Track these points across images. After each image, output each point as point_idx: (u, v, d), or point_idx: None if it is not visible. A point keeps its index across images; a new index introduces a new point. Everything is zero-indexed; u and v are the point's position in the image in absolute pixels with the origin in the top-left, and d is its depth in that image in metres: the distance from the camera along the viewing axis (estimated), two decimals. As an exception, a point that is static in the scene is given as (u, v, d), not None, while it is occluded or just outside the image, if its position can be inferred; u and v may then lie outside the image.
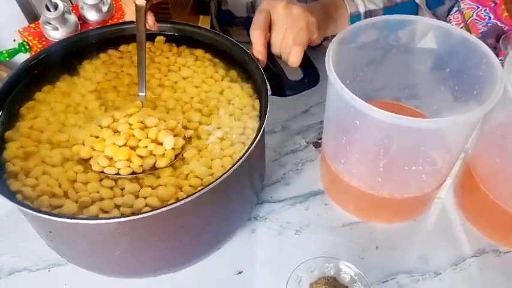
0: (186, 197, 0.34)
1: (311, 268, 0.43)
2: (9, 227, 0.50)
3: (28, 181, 0.39)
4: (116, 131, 0.42)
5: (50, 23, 0.57)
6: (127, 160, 0.40)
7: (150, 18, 0.47)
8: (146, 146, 0.41)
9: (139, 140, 0.41)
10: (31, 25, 0.62)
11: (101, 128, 0.42)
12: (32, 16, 0.70)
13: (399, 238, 0.48)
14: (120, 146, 0.40)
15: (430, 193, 0.46)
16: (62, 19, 0.57)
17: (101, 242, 0.38)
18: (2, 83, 0.43)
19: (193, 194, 0.34)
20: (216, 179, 0.35)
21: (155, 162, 0.41)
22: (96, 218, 0.37)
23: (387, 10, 0.56)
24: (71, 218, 0.35)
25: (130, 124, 0.42)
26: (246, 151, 0.37)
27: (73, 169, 0.40)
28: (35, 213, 0.34)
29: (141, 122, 0.42)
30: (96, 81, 0.48)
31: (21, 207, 0.35)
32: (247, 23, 0.70)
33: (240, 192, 0.44)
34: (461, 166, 0.50)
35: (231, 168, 0.36)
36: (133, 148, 0.41)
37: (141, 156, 0.40)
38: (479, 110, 0.36)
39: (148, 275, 0.44)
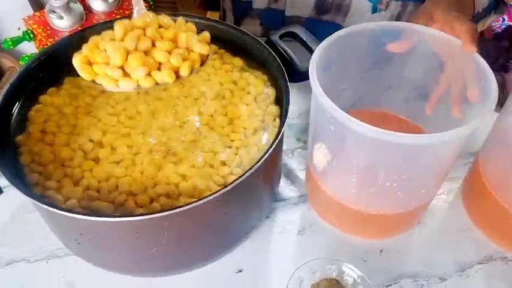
0: (233, 182, 0.34)
1: (313, 269, 0.42)
2: (11, 217, 0.49)
3: (51, 184, 0.38)
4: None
5: (55, 12, 0.56)
6: (143, 67, 0.34)
7: None
8: (165, 50, 0.34)
9: (153, 42, 0.34)
10: (36, 13, 0.61)
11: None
12: (38, 4, 0.69)
13: (404, 241, 0.47)
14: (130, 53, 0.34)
15: (411, 212, 0.43)
16: (67, 8, 0.56)
17: (136, 239, 0.36)
18: (5, 89, 0.41)
19: (239, 178, 0.34)
20: (260, 159, 0.35)
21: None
22: (142, 214, 0.34)
23: None
24: (113, 217, 0.33)
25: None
26: (276, 137, 0.37)
27: (95, 169, 0.39)
28: (71, 215, 0.32)
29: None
30: None
31: (53, 210, 0.33)
32: (263, 14, 0.69)
33: (268, 183, 0.43)
34: (471, 170, 0.49)
35: (265, 153, 0.36)
36: (146, 53, 0.34)
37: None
38: (454, 132, 0.33)
39: (169, 273, 0.43)
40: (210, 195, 0.34)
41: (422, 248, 0.46)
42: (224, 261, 0.45)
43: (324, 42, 0.41)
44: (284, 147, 0.56)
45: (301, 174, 0.53)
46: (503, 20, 0.72)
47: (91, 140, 0.41)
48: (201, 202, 0.33)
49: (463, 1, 0.54)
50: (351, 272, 0.42)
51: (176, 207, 0.33)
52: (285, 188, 0.52)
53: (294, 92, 0.47)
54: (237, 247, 0.45)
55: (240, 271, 0.44)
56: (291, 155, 0.56)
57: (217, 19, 0.50)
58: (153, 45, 0.36)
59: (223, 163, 0.40)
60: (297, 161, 0.55)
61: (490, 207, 0.44)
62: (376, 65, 0.47)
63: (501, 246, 0.45)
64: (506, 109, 0.42)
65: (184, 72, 0.36)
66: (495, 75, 0.60)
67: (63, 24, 0.58)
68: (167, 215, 0.33)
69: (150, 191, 0.38)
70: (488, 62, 0.62)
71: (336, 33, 0.42)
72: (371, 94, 0.50)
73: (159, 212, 0.33)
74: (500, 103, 0.43)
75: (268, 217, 0.49)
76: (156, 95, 0.45)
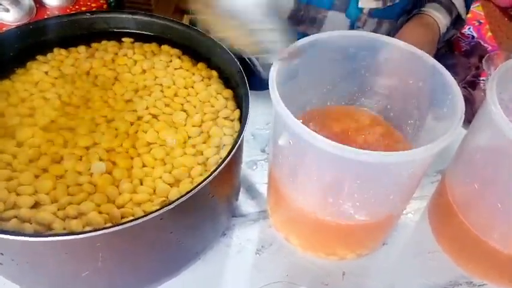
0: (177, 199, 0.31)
1: (269, 294, 0.39)
2: None
3: None
4: None
5: (0, 4, 0.51)
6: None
7: None
8: None
9: None
10: (-17, 5, 0.56)
11: None
12: (-11, -4, 0.64)
13: (368, 264, 0.44)
14: None
15: (377, 223, 0.40)
16: (14, 0, 0.52)
17: (66, 260, 0.32)
18: None
19: (186, 194, 0.31)
20: (212, 172, 0.32)
21: None
22: (74, 233, 0.30)
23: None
24: (37, 236, 0.29)
25: None
26: (232, 148, 0.34)
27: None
28: None
29: None
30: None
31: None
32: None
33: (223, 199, 0.40)
34: (438, 189, 0.47)
35: (219, 166, 0.33)
36: None
37: None
38: (420, 150, 0.31)
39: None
40: (152, 212, 0.30)
41: (386, 271, 0.44)
42: (173, 285, 0.40)
43: (287, 48, 0.38)
44: (247, 159, 0.53)
45: (263, 188, 0.50)
46: (473, 37, 0.72)
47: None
48: (140, 221, 0.30)
49: (427, 38, 0.57)
50: (309, 298, 0.39)
51: (109, 227, 0.29)
52: (244, 202, 0.48)
53: (261, 101, 0.44)
54: (188, 268, 0.41)
55: (190, 295, 0.40)
56: (254, 167, 0.52)
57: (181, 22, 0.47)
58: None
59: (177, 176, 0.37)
60: (259, 174, 0.52)
61: (455, 229, 0.42)
62: (345, 74, 0.44)
63: (466, 270, 0.43)
64: (473, 128, 0.40)
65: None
66: (464, 92, 0.60)
67: (10, 17, 0.53)
68: (98, 235, 0.29)
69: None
70: (457, 79, 0.61)
71: (300, 40, 0.39)
72: (340, 104, 0.47)
73: (88, 232, 0.28)
74: (468, 120, 0.42)
75: (225, 234, 0.45)
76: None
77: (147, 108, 0.41)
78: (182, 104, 0.42)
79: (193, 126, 0.41)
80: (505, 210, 0.37)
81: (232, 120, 0.42)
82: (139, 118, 0.41)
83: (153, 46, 0.47)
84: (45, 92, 0.41)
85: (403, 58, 0.41)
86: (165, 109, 0.42)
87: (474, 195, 0.40)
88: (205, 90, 0.43)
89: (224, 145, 0.40)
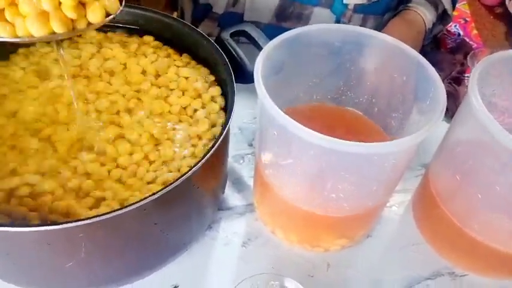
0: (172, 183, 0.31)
1: (254, 285, 0.39)
2: None
3: None
4: None
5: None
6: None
7: None
8: None
9: None
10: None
11: None
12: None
13: (353, 256, 0.44)
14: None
15: (361, 216, 0.41)
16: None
17: (48, 251, 0.31)
18: None
19: (170, 184, 0.31)
20: (196, 164, 0.32)
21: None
22: (59, 222, 0.29)
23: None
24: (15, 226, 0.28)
25: None
26: (217, 140, 0.34)
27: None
28: None
29: None
30: None
31: None
32: (221, 19, 0.66)
33: (208, 191, 0.40)
34: (421, 182, 0.48)
35: (203, 158, 0.33)
36: None
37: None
38: (399, 142, 0.31)
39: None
40: (135, 203, 0.30)
41: (371, 263, 0.44)
42: (157, 276, 0.40)
43: (273, 41, 0.38)
44: (234, 153, 0.53)
45: (250, 182, 0.50)
46: (459, 34, 0.73)
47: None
48: (122, 211, 0.29)
49: (412, 33, 0.58)
50: (294, 289, 0.39)
51: (91, 217, 0.29)
52: (231, 196, 0.48)
53: (248, 95, 0.44)
54: (173, 260, 0.41)
55: (176, 287, 0.40)
56: (241, 161, 0.53)
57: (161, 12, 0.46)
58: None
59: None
60: (247, 167, 0.52)
61: (438, 221, 0.43)
62: (330, 68, 0.45)
63: (449, 261, 0.44)
64: (455, 122, 0.41)
65: (81, 24, 0.31)
66: (449, 88, 0.61)
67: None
68: (81, 225, 0.29)
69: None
70: (442, 75, 0.62)
71: (286, 32, 0.39)
72: (327, 99, 0.47)
73: (70, 222, 0.28)
74: (453, 115, 0.42)
75: (211, 227, 0.45)
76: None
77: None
78: (170, 82, 0.43)
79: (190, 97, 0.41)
80: (484, 201, 0.37)
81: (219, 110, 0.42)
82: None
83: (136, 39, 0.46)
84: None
85: (388, 52, 0.41)
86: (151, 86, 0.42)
87: (456, 187, 0.40)
88: (191, 71, 0.43)
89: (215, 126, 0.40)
